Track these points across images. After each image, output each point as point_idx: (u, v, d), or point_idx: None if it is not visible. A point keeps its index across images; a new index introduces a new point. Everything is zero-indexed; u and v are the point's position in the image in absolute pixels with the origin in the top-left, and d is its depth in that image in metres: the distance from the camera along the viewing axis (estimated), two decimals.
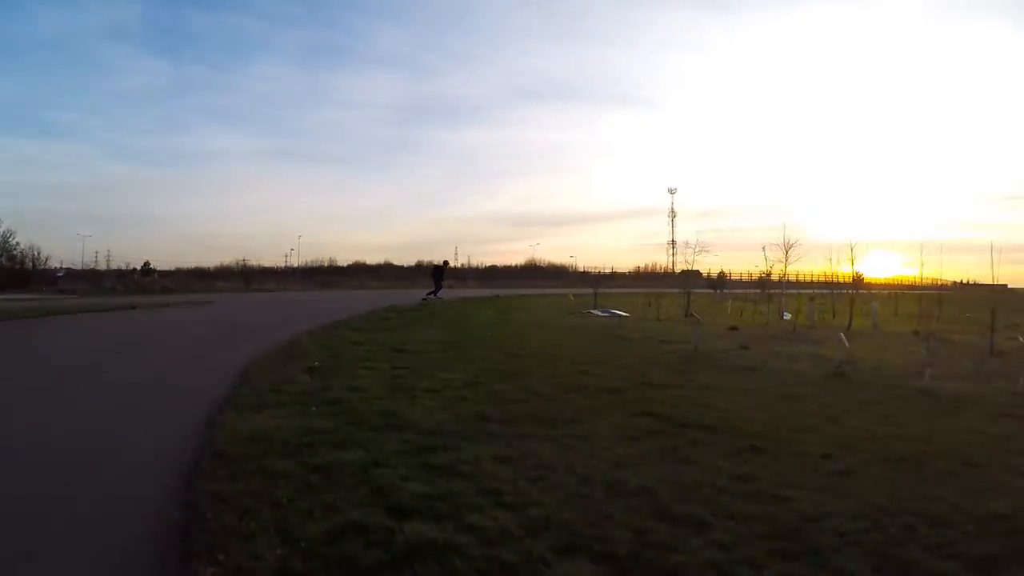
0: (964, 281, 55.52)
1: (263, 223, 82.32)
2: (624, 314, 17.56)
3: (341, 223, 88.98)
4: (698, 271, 53.50)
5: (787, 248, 18.13)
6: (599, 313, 17.89)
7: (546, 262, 52.35)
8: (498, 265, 47.34)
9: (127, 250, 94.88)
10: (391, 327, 12.36)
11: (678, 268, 53.93)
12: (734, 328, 13.60)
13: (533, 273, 47.89)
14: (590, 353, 8.95)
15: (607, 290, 39.17)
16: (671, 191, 65.97)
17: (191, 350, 9.21)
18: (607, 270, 58.26)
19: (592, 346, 9.97)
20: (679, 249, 60.87)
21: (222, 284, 31.88)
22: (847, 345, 8.39)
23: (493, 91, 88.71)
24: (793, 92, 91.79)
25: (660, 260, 65.62)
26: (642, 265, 62.15)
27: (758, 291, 30.87)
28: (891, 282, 38.97)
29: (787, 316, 17.80)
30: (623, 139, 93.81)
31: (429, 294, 21.47)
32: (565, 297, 28.39)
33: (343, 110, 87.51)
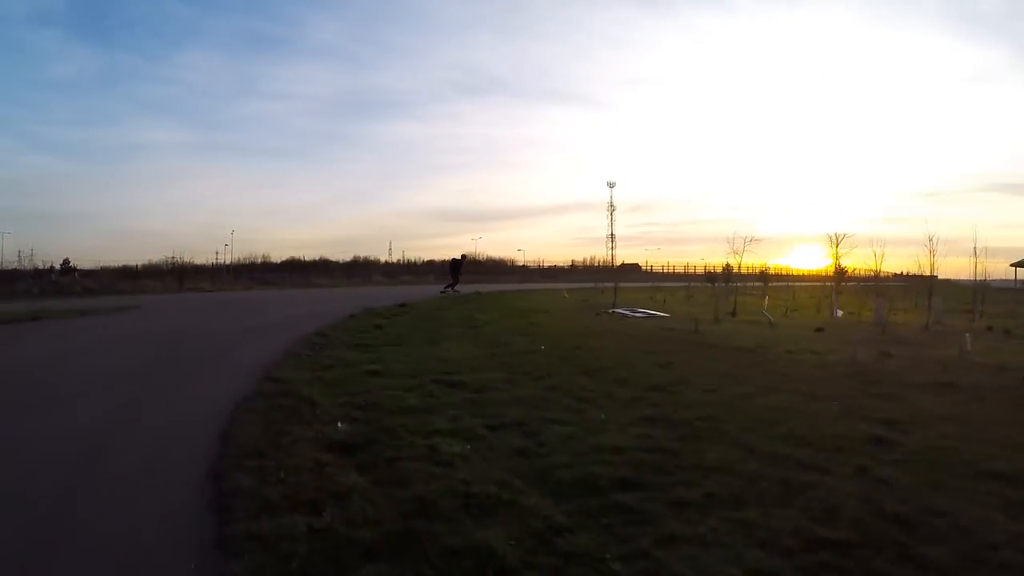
0: (905, 273, 58.90)
1: (194, 219, 75.97)
2: (662, 314, 14.93)
3: (274, 218, 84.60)
4: (637, 264, 56.71)
5: (746, 241, 18.91)
6: (634, 313, 15.06)
7: (485, 256, 50.48)
8: (436, 260, 44.79)
9: (51, 248, 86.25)
10: (405, 340, 9.11)
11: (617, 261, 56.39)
12: (820, 330, 11.32)
13: (474, 268, 45.34)
14: (740, 379, 6.14)
15: (581, 284, 37.00)
16: (610, 185, 64.59)
17: (106, 402, 5.12)
18: (545, 264, 57.55)
19: (721, 367, 7.13)
20: (617, 242, 63.36)
21: (152, 283, 26.84)
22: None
23: (429, 85, 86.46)
24: (729, 91, 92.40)
25: (598, 254, 65.77)
26: (579, 259, 61.49)
27: (713, 284, 29.85)
28: (822, 273, 39.87)
29: (840, 313, 15.95)
30: (559, 134, 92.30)
31: (447, 287, 21.85)
32: (547, 293, 25.79)
33: (277, 102, 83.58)
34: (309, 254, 46.54)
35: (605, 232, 75.95)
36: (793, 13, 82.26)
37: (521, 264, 52.33)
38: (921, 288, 32.43)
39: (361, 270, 38.61)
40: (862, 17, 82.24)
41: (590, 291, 25.86)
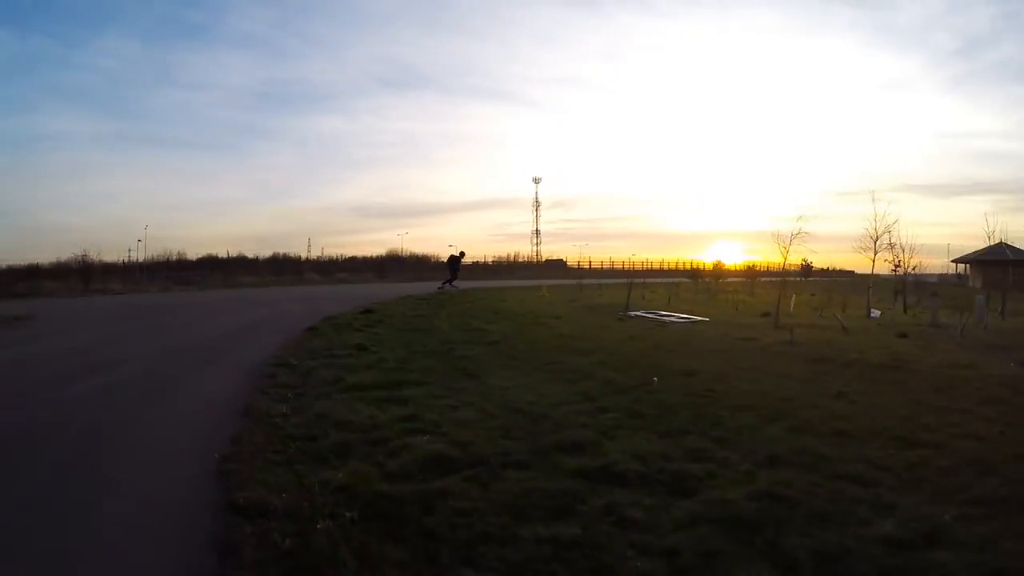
0: (832, 268, 63.19)
1: (107, 213, 68.39)
2: (699, 317, 12.57)
3: (191, 213, 78.84)
4: (563, 260, 55.04)
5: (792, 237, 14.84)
6: (667, 318, 12.42)
7: (408, 252, 47.63)
8: (358, 256, 42.56)
9: None
10: (422, 370, 6.06)
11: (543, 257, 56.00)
12: (903, 335, 9.39)
13: (396, 264, 42.49)
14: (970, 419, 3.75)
15: (526, 281, 34.52)
16: (535, 180, 64.39)
17: None
18: (468, 261, 54.06)
19: (904, 397, 4.82)
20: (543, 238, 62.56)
21: (52, 285, 21.52)
22: None
23: (353, 78, 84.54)
24: (652, 91, 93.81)
25: (520, 250, 64.47)
26: (502, 255, 58.93)
27: (696, 280, 28.73)
28: (742, 268, 41.54)
29: (876, 314, 14.32)
30: (482, 130, 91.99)
31: (445, 283, 21.84)
32: (514, 290, 23.03)
33: (196, 92, 79.14)
34: (227, 251, 42.01)
35: (526, 228, 78.95)
36: (718, 17, 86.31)
37: (445, 260, 47.88)
38: (860, 284, 33.59)
39: (290, 267, 34.11)
40: (785, 24, 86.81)
41: (565, 289, 23.42)
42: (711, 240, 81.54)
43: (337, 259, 42.88)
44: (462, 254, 24.33)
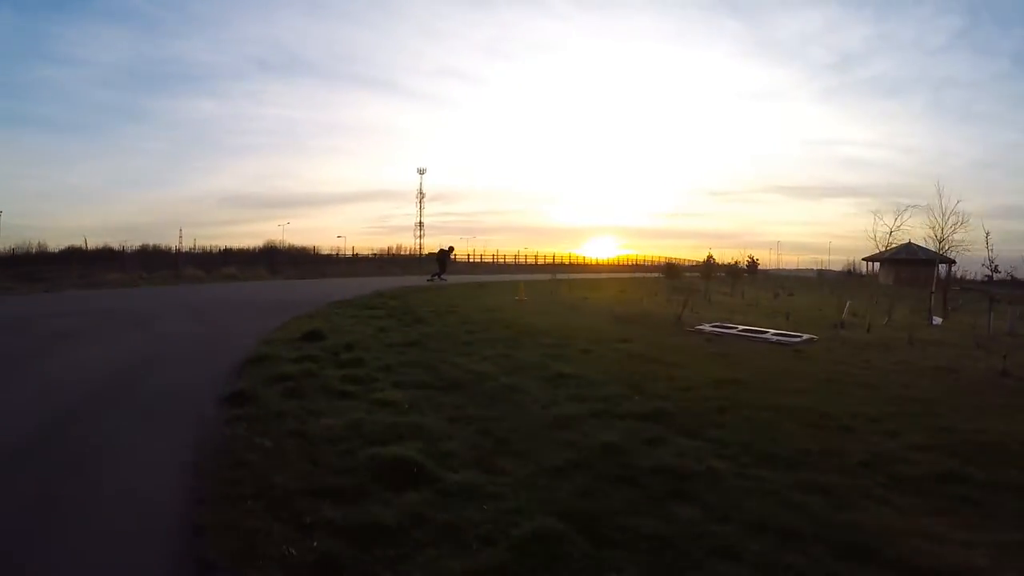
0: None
1: None
2: (798, 335, 9.29)
3: (52, 202, 68.31)
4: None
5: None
6: (758, 336, 9.00)
7: (287, 244, 42.86)
8: (233, 249, 37.28)
9: None
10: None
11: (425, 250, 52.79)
12: None
13: (275, 257, 37.52)
14: None
15: (487, 277, 30.46)
16: (420, 171, 63.11)
17: None
18: (348, 252, 50.76)
19: None
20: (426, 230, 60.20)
21: None
22: None
23: (231, 60, 79.70)
24: (534, 88, 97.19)
25: (401, 242, 63.73)
26: (383, 247, 56.58)
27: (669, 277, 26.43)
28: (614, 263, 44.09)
29: (938, 321, 11.94)
30: (362, 120, 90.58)
31: (434, 276, 22.42)
32: (474, 289, 18.88)
33: (65, 67, 70.62)
34: (92, 242, 34.13)
35: (406, 221, 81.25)
36: (606, 20, 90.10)
37: (326, 253, 45.38)
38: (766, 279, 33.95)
39: (163, 261, 27.07)
40: (670, 31, 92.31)
41: (542, 285, 19.70)
42: (589, 234, 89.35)
43: (216, 251, 35.81)
44: (451, 248, 24.92)
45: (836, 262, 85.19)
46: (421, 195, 62.74)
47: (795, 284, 35.58)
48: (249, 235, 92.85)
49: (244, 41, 77.89)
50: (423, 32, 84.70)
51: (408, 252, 52.95)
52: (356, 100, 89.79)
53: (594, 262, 51.94)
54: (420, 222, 62.08)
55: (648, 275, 38.49)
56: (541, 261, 55.10)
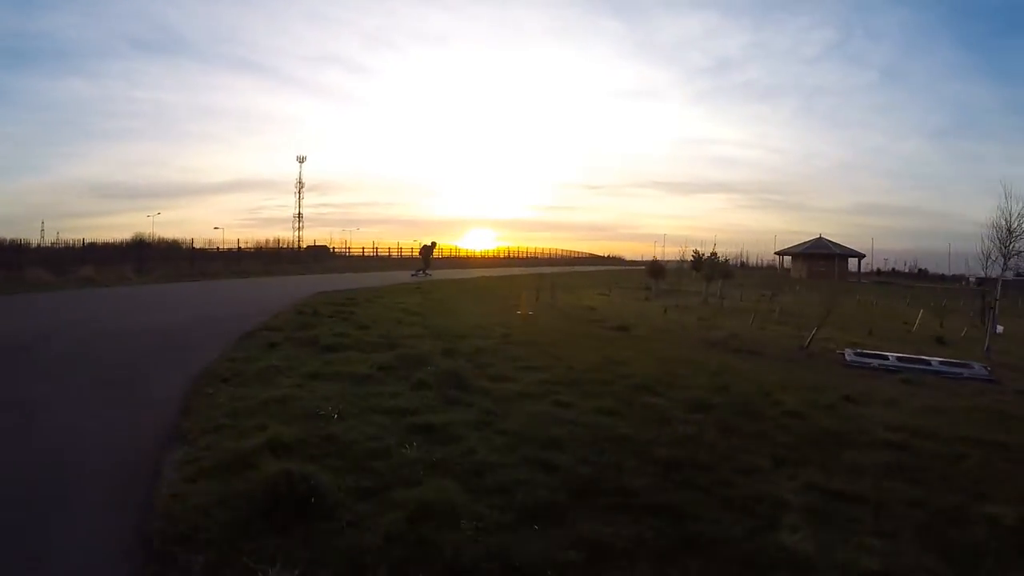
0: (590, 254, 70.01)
1: None
2: (978, 365, 6.39)
3: None
4: (326, 247, 49.72)
5: None
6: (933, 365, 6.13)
7: (156, 237, 37.51)
8: (99, 243, 31.68)
9: None
10: None
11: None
12: None
13: (144, 253, 31.80)
14: None
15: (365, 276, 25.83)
16: (300, 160, 60.14)
17: None
18: (227, 247, 45.05)
19: None
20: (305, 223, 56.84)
21: None
22: None
23: (103, 36, 74.10)
24: (417, 80, 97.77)
25: (280, 235, 61.30)
26: (261, 240, 50.90)
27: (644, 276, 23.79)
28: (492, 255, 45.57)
29: (1000, 329, 9.84)
30: (240, 105, 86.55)
31: (418, 271, 22.90)
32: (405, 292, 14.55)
33: None
34: None
35: (280, 212, 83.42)
36: (492, 15, 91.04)
37: (200, 247, 38.09)
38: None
39: (6, 260, 19.38)
40: (554, 28, 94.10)
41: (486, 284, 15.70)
42: (466, 227, 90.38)
43: (77, 246, 27.83)
44: (433, 244, 26.05)
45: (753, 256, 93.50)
46: (300, 185, 59.38)
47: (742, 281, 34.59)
48: (117, 228, 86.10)
49: (118, 17, 72.19)
50: (307, 16, 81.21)
51: (286, 245, 47.47)
52: (234, 84, 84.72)
53: (471, 254, 49.92)
54: (299, 213, 58.86)
55: (542, 269, 37.41)
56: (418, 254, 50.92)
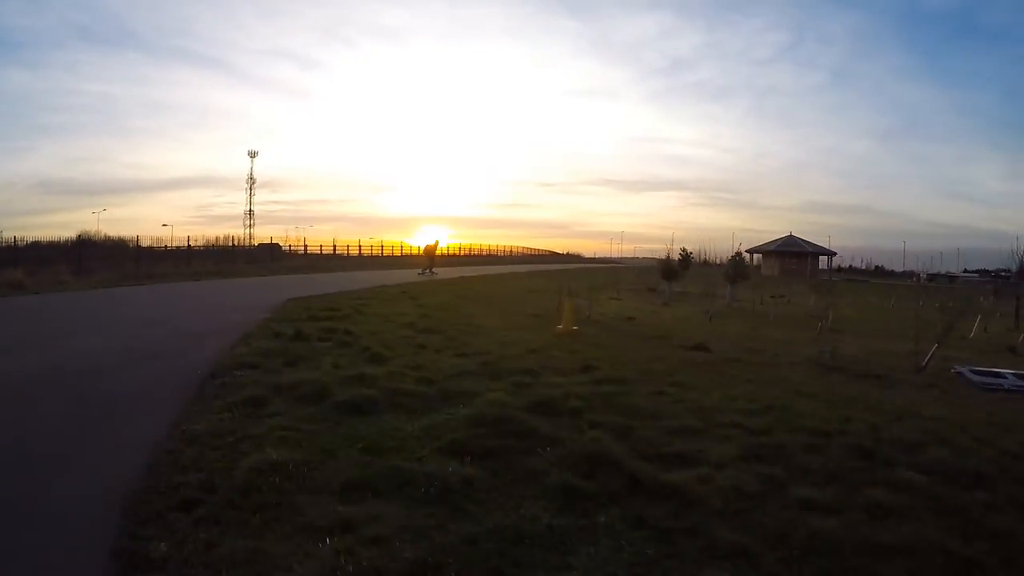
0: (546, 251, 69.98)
1: None
2: None
3: None
4: (279, 244, 46.69)
5: None
6: None
7: (102, 235, 33.47)
8: (42, 241, 27.95)
9: None
10: None
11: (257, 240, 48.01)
12: None
13: (86, 252, 28.83)
14: None
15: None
16: (251, 155, 57.72)
17: None
18: (176, 244, 41.67)
19: None
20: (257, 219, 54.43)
21: None
22: None
23: (49, 25, 70.27)
24: (369, 78, 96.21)
25: (231, 232, 55.75)
26: (213, 237, 48.47)
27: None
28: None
29: None
30: (190, 99, 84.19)
31: (425, 270, 23.58)
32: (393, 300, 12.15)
33: None
34: None
35: (231, 209, 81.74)
36: (447, 11, 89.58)
37: (148, 246, 33.52)
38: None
39: None
40: (509, 26, 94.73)
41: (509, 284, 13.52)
42: (419, 224, 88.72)
43: (20, 244, 23.22)
44: (437, 242, 27.40)
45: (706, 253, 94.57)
46: (252, 180, 56.55)
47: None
48: (63, 225, 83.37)
49: (64, 6, 69.64)
50: (259, 9, 79.04)
51: (238, 243, 43.03)
52: (184, 78, 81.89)
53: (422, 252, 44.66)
54: (250, 210, 56.06)
55: (515, 267, 35.97)
56: (376, 252, 47.54)
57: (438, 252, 27.95)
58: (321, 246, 43.72)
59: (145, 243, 26.86)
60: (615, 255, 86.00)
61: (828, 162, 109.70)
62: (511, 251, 61.38)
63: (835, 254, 48.05)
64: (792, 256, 44.30)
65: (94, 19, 72.64)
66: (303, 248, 41.69)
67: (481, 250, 56.75)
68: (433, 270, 23.58)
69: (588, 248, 79.62)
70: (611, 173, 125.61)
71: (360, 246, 44.53)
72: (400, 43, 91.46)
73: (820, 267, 45.61)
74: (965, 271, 60.92)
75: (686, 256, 26.30)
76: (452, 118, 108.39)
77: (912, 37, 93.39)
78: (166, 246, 28.90)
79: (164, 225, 70.18)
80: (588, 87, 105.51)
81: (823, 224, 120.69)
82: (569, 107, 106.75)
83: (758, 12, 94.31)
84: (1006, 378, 6.38)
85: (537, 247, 72.06)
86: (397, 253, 45.91)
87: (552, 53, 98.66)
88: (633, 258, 79.02)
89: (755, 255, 49.43)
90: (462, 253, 48.28)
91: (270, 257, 33.57)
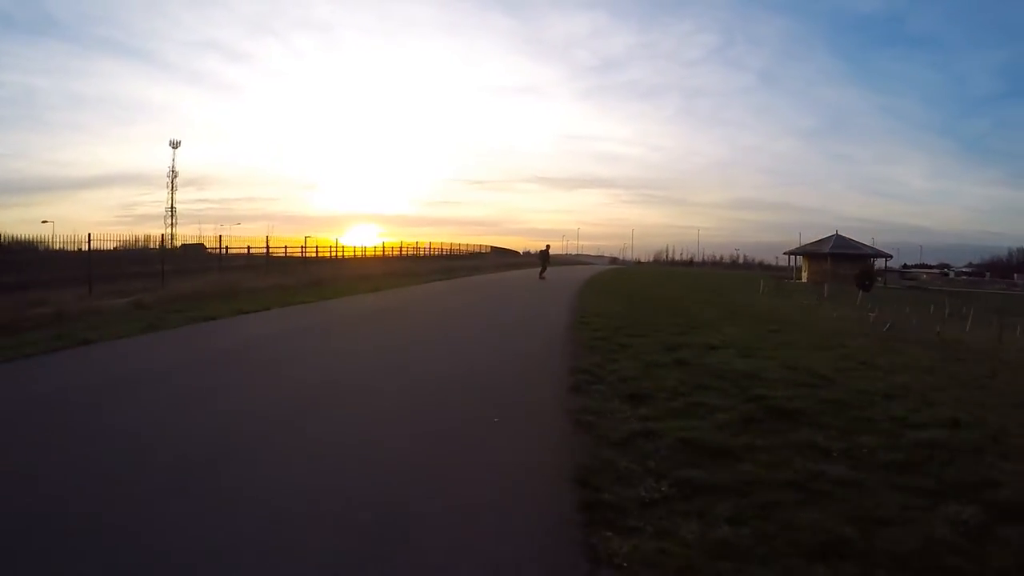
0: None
1: None
2: None
3: None
4: (202, 244, 43.15)
5: None
6: None
7: (9, 237, 29.33)
8: None
9: None
10: None
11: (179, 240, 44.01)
12: None
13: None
14: None
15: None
16: (173, 145, 52.79)
17: None
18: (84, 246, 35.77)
19: None
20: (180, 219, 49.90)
21: None
22: None
23: None
24: (298, 72, 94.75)
25: (153, 232, 52.71)
26: (132, 238, 43.42)
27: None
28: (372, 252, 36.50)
29: None
30: (115, 92, 79.59)
31: (542, 274, 25.50)
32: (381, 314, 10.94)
33: None
34: None
35: (156, 208, 74.31)
36: (379, 5, 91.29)
37: (59, 248, 29.09)
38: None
39: None
40: (442, 21, 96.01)
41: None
42: (349, 222, 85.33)
43: None
44: (548, 247, 29.00)
45: (638, 249, 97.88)
46: (174, 174, 51.37)
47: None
48: None
49: None
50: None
51: (155, 244, 37.90)
52: (107, 69, 77.43)
53: (359, 252, 34.08)
54: (172, 207, 51.01)
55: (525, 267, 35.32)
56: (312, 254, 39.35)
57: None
58: (249, 247, 32.66)
59: (56, 246, 19.31)
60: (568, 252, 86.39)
61: (755, 160, 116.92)
62: (457, 249, 47.86)
63: (891, 256, 46.43)
64: (845, 259, 42.60)
65: (13, 5, 67.71)
66: (224, 249, 31.35)
67: (420, 249, 44.80)
68: (543, 275, 25.05)
69: (514, 245, 77.76)
70: (542, 170, 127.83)
71: (303, 247, 32.06)
72: (331, 37, 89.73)
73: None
74: (905, 266, 61.68)
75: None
76: (384, 114, 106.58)
77: (839, 41, 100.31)
78: (79, 248, 18.04)
79: (45, 221, 63.83)
80: (521, 84, 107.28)
81: (747, 221, 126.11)
82: (502, 104, 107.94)
83: (690, 14, 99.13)
84: None
85: (483, 244, 62.81)
86: (341, 255, 32.98)
87: (485, 50, 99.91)
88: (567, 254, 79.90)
89: (791, 257, 47.70)
90: (406, 252, 37.84)
91: (191, 260, 26.34)
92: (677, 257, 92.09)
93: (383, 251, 34.96)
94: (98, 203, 75.86)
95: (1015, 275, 53.54)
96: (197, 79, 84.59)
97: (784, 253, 48.51)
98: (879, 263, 45.41)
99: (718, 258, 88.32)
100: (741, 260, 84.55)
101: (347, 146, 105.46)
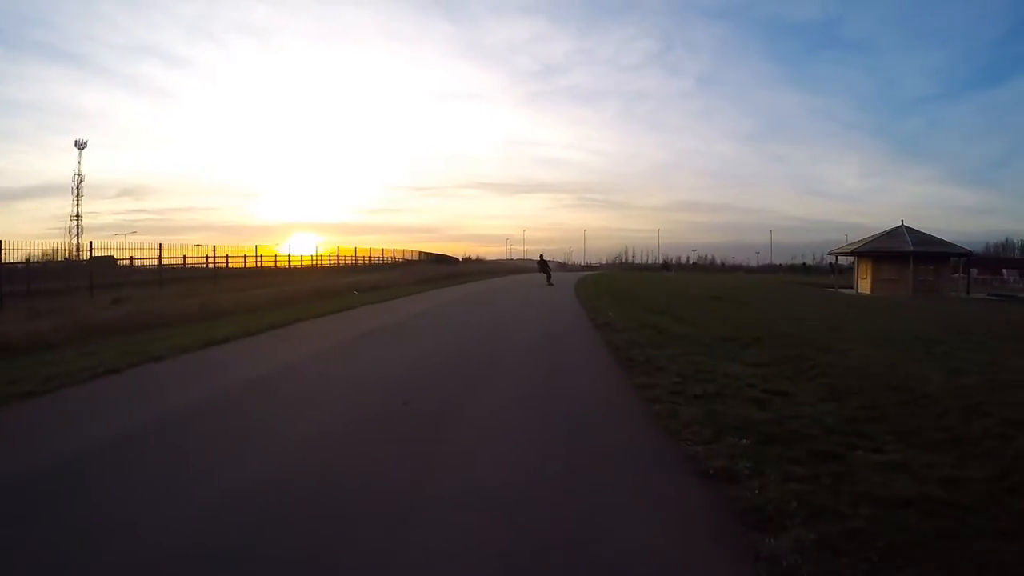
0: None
1: None
2: None
3: None
4: (112, 256, 36.15)
5: None
6: None
7: None
8: None
9: None
10: None
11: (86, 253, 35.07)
12: None
13: None
14: None
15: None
16: (79, 145, 47.35)
17: None
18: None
19: None
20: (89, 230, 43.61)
21: None
22: None
23: None
24: (238, 77, 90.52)
25: (63, 243, 42.32)
26: (38, 252, 34.29)
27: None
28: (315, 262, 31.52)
29: None
30: (48, 98, 75.68)
31: (549, 281, 25.57)
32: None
33: None
34: None
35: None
36: (320, 10, 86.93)
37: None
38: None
39: None
40: (381, 27, 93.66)
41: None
42: (289, 231, 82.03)
43: None
44: (542, 256, 29.82)
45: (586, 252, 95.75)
46: (79, 178, 46.31)
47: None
48: None
49: None
50: (122, 1, 72.97)
51: (63, 257, 29.32)
52: (39, 74, 75.05)
53: (298, 262, 29.38)
54: (78, 214, 46.07)
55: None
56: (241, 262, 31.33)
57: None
58: (185, 257, 25.34)
59: None
60: (491, 256, 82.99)
61: (695, 163, 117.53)
62: (404, 256, 42.07)
63: (971, 253, 33.65)
64: (926, 260, 29.21)
65: None
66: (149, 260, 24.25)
67: (364, 256, 37.88)
68: (551, 282, 25.19)
69: (459, 251, 72.12)
70: (485, 176, 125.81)
71: (245, 257, 25.37)
72: (270, 42, 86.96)
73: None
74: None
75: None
76: (324, 121, 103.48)
77: (775, 46, 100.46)
78: None
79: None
80: (462, 90, 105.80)
81: (688, 222, 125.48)
82: (443, 110, 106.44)
83: (629, 20, 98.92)
84: None
85: (428, 250, 55.94)
86: (285, 264, 28.63)
87: (426, 55, 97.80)
88: (509, 260, 77.45)
89: (839, 258, 34.76)
90: (351, 261, 32.98)
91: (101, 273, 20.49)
92: (638, 260, 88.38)
93: (340, 260, 31.65)
94: (31, 214, 73.62)
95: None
96: (133, 84, 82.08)
97: (830, 252, 36.58)
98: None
99: (684, 260, 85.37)
100: (718, 263, 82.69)
101: (288, 153, 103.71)
